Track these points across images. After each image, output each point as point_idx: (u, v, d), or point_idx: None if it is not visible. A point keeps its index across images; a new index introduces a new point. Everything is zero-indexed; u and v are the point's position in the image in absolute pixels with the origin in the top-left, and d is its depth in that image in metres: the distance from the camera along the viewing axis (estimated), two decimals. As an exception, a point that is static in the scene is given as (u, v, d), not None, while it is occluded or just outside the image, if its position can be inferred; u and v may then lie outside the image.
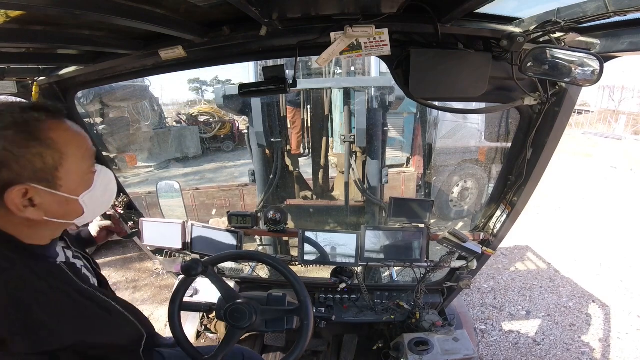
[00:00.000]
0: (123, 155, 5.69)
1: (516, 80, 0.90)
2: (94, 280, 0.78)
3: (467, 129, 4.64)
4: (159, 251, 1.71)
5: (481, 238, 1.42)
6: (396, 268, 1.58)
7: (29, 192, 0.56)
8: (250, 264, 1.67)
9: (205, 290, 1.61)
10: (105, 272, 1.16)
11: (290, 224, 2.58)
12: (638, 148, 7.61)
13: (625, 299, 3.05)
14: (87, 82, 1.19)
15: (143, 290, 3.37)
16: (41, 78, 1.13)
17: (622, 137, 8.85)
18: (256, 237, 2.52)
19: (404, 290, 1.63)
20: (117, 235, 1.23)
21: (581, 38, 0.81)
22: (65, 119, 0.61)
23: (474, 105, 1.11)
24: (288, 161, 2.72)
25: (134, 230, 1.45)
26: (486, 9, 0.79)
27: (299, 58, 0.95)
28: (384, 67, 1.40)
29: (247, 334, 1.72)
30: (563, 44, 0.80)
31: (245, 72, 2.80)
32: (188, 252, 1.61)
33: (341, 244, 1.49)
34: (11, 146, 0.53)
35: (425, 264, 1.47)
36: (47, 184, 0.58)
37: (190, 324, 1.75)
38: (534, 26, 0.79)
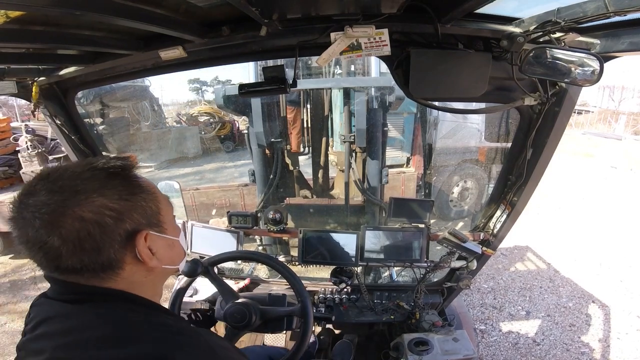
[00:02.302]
0: (123, 155, 5.68)
1: (516, 80, 0.90)
2: None
3: (467, 129, 4.65)
4: (159, 251, 1.71)
5: (481, 238, 1.42)
6: (396, 268, 1.58)
7: (147, 239, 0.54)
8: (250, 264, 1.67)
9: (205, 291, 1.61)
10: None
11: (290, 224, 2.58)
12: (638, 148, 7.61)
13: (625, 299, 3.05)
14: (87, 82, 1.18)
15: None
16: (41, 78, 1.13)
17: (622, 137, 8.84)
18: (256, 237, 2.52)
19: (404, 291, 1.63)
20: None
21: (581, 38, 0.81)
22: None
23: (474, 105, 1.11)
24: (288, 160, 2.72)
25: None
26: (486, 9, 0.78)
27: (299, 58, 0.95)
28: (384, 67, 1.40)
29: (247, 334, 1.72)
30: (563, 44, 0.80)
31: (245, 72, 2.80)
32: (188, 252, 1.61)
33: (341, 244, 1.50)
34: (126, 194, 0.52)
35: (425, 264, 1.47)
36: (157, 229, 0.56)
37: (190, 324, 1.75)
38: (534, 26, 0.79)
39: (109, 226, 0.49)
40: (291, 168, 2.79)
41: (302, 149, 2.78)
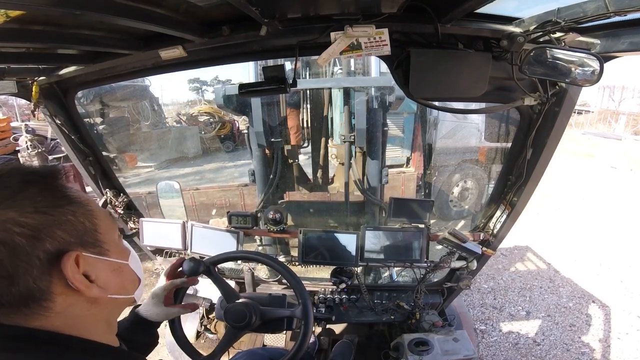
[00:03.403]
0: (123, 155, 5.70)
1: (516, 80, 0.90)
2: None
3: (467, 129, 4.64)
4: (159, 251, 1.71)
5: (481, 238, 1.42)
6: (396, 268, 1.58)
7: (80, 263, 0.42)
8: (250, 264, 1.67)
9: (205, 290, 1.61)
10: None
11: (290, 222, 2.58)
12: (638, 148, 7.61)
13: (625, 299, 3.05)
14: (87, 82, 1.19)
15: (143, 290, 3.36)
16: (41, 78, 1.13)
17: (622, 137, 8.85)
18: (256, 237, 2.52)
19: (404, 291, 1.63)
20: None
21: (581, 38, 0.81)
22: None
23: (474, 106, 1.11)
24: (287, 153, 2.71)
25: (133, 231, 1.40)
26: (486, 9, 0.79)
27: (299, 58, 0.95)
28: (384, 67, 1.40)
29: (247, 335, 1.72)
30: (563, 44, 0.80)
31: (245, 72, 2.79)
32: (188, 252, 1.61)
33: (341, 244, 1.49)
34: (44, 206, 0.40)
35: (425, 264, 1.47)
36: (94, 250, 0.45)
37: (190, 324, 1.75)
38: (534, 26, 0.79)
39: (20, 247, 0.38)
40: (290, 161, 2.79)
41: (301, 143, 2.78)
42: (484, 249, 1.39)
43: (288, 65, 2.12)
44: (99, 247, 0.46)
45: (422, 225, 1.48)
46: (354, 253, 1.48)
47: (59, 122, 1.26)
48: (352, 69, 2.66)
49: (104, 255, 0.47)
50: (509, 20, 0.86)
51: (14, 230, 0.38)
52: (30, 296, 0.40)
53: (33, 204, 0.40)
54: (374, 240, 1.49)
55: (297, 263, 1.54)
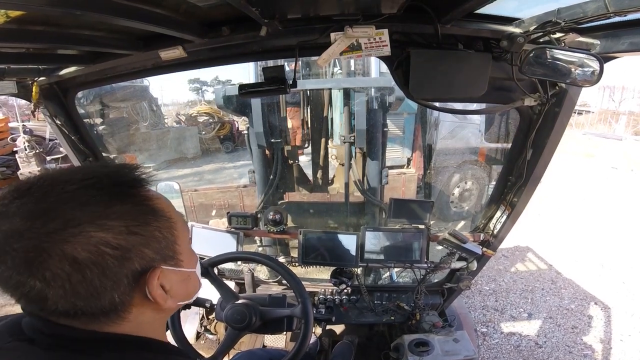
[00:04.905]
0: (123, 156, 5.70)
1: (516, 80, 0.90)
2: None
3: (467, 130, 4.64)
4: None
5: (481, 239, 1.42)
6: (396, 269, 1.58)
7: (160, 277, 0.43)
8: (250, 265, 1.67)
9: (205, 291, 1.61)
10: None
11: (290, 223, 2.57)
12: (638, 148, 7.61)
13: (627, 301, 3.04)
14: (87, 82, 1.19)
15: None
16: (41, 78, 1.13)
17: (622, 137, 8.85)
18: (256, 238, 2.52)
19: (404, 291, 1.62)
20: None
21: (581, 38, 0.81)
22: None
23: (474, 106, 1.11)
24: (287, 153, 2.71)
25: None
26: (486, 9, 0.79)
27: (299, 58, 0.95)
28: (384, 67, 1.40)
29: (247, 336, 1.72)
30: (563, 44, 0.80)
31: (245, 72, 2.80)
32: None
33: (341, 244, 1.49)
34: (135, 226, 0.40)
35: (426, 265, 1.47)
36: (172, 262, 0.46)
37: (190, 325, 1.74)
38: (534, 26, 0.79)
39: (111, 268, 0.38)
40: (290, 162, 2.79)
41: (302, 143, 2.78)
42: (484, 249, 1.39)
43: (288, 66, 2.12)
44: (176, 258, 0.46)
45: (422, 226, 1.47)
46: (354, 254, 1.48)
47: (59, 122, 1.26)
48: (352, 69, 2.66)
49: (179, 266, 0.47)
50: (508, 20, 0.86)
51: (106, 251, 0.37)
52: (113, 309, 0.41)
53: (125, 223, 0.39)
54: (374, 241, 1.49)
55: (297, 264, 1.53)
